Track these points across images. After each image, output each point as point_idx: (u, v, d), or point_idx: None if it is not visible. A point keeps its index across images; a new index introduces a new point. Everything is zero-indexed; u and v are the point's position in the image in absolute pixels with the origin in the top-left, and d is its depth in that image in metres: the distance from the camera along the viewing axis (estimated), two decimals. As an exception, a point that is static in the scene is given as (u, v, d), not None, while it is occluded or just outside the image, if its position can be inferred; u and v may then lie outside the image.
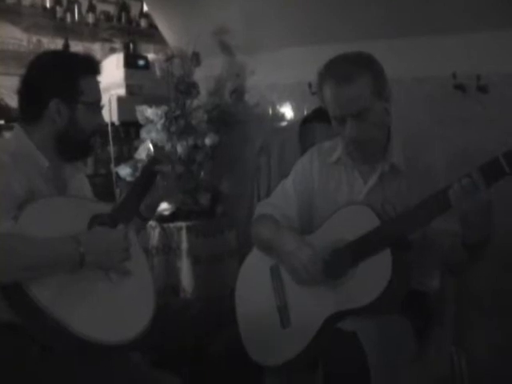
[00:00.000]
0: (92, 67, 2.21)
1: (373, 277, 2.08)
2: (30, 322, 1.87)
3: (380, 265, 2.07)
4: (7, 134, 2.24)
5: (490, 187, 1.87)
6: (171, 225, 3.73)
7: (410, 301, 2.16)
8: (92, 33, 5.86)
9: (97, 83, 2.24)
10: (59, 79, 2.12)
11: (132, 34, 6.08)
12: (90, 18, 5.80)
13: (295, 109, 4.06)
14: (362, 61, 2.21)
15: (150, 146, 2.41)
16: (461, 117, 3.31)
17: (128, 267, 2.08)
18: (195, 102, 3.86)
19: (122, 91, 4.18)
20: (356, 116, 2.15)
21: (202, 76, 3.97)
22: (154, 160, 2.43)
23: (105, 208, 2.19)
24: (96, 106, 2.23)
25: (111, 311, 1.99)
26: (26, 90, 2.16)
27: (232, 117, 3.91)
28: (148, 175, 2.37)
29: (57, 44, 5.59)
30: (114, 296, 2.03)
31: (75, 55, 2.36)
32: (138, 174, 3.62)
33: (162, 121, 3.70)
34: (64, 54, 2.60)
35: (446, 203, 1.93)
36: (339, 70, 2.19)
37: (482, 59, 3.21)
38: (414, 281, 2.17)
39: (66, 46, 5.56)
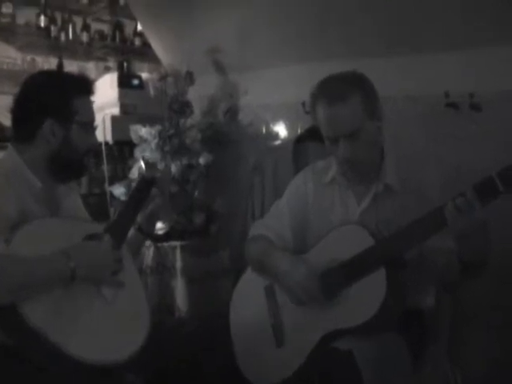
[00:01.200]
0: (86, 87, 2.21)
1: (367, 296, 2.08)
2: (22, 343, 1.85)
3: (374, 284, 2.07)
4: (0, 154, 2.23)
5: (484, 206, 1.87)
6: (165, 244, 3.72)
7: (405, 318, 2.16)
8: (86, 52, 5.88)
9: (91, 103, 2.24)
10: (53, 99, 2.11)
11: (126, 53, 6.10)
12: (85, 37, 5.83)
13: (289, 128, 4.06)
14: (354, 80, 2.21)
15: (142, 164, 2.41)
16: (454, 135, 3.33)
17: (121, 280, 2.07)
18: (189, 122, 3.85)
19: (116, 110, 4.18)
20: (349, 136, 2.15)
21: (196, 95, 3.97)
22: (146, 175, 2.42)
23: (99, 228, 2.17)
24: (90, 125, 2.23)
25: (106, 331, 1.97)
26: (20, 110, 2.16)
27: (226, 136, 3.91)
28: (141, 190, 2.36)
29: (51, 63, 5.61)
30: (109, 315, 2.02)
31: (69, 75, 2.36)
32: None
33: (156, 140, 3.70)
34: (58, 74, 2.59)
35: (440, 222, 1.93)
36: (331, 89, 2.20)
37: (475, 77, 3.23)
38: (409, 299, 2.17)
39: (60, 65, 5.58)
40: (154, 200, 2.38)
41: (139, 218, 2.37)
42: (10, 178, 2.05)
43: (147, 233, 2.45)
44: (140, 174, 2.77)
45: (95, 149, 2.45)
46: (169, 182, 2.46)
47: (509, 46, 3.12)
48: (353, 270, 2.12)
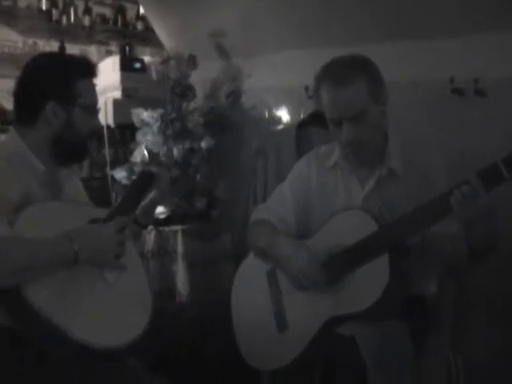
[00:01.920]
0: (89, 70, 2.20)
1: (371, 282, 2.08)
2: (26, 326, 1.85)
3: (378, 270, 2.07)
4: (2, 137, 2.22)
5: (489, 192, 1.87)
6: (167, 228, 3.71)
7: (408, 305, 2.16)
8: (88, 35, 5.89)
9: (93, 86, 2.23)
10: (56, 82, 2.10)
11: (128, 37, 6.09)
12: (86, 21, 5.84)
13: (292, 112, 4.05)
14: (359, 64, 2.21)
15: (145, 152, 2.41)
16: (459, 120, 3.31)
17: (124, 264, 2.08)
18: (191, 105, 3.83)
19: (117, 94, 4.17)
20: (352, 119, 2.15)
21: (198, 79, 3.95)
22: (149, 166, 2.44)
23: (101, 213, 2.17)
24: (92, 108, 2.22)
25: (108, 315, 1.98)
26: (22, 93, 2.15)
27: (228, 120, 3.90)
28: (144, 179, 2.37)
29: (52, 46, 5.60)
30: (111, 299, 2.02)
31: (72, 58, 2.35)
32: (133, 177, 3.62)
33: (158, 124, 3.68)
34: (60, 57, 2.59)
35: (446, 209, 1.93)
36: (336, 73, 2.19)
37: (480, 63, 3.21)
38: (412, 285, 2.17)
39: (62, 48, 5.57)
40: (153, 193, 2.39)
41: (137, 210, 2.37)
42: (13, 160, 2.04)
43: (143, 225, 2.46)
44: (142, 165, 2.79)
45: (98, 132, 2.45)
46: (167, 179, 2.45)
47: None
48: (356, 255, 2.12)
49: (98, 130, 2.36)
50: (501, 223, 2.01)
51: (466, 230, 1.97)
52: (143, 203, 2.40)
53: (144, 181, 2.38)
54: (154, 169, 2.38)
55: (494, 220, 1.95)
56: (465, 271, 2.24)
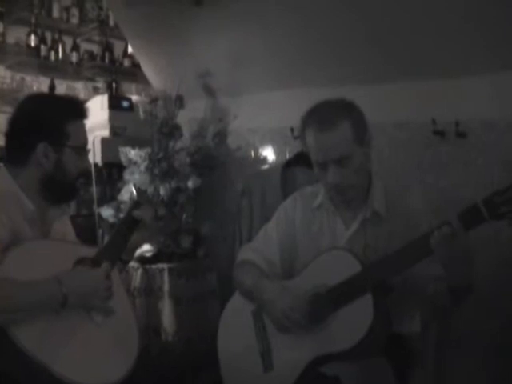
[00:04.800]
0: (79, 111, 2.23)
1: (354, 321, 2.09)
2: (11, 365, 1.85)
3: (361, 309, 2.08)
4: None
5: (468, 232, 1.90)
6: (153, 266, 3.72)
7: (391, 343, 2.17)
8: (76, 71, 5.91)
9: (84, 127, 2.26)
10: (47, 123, 2.13)
11: (115, 74, 6.12)
12: (74, 57, 5.87)
13: (277, 153, 4.09)
14: (343, 108, 2.24)
15: (133, 190, 2.43)
16: (440, 161, 3.37)
17: (111, 307, 2.09)
18: (178, 145, 3.87)
19: (105, 132, 4.18)
20: (338, 162, 2.17)
21: (185, 118, 3.99)
22: (136, 204, 2.46)
23: (89, 251, 2.19)
24: (82, 149, 2.24)
25: (94, 355, 1.98)
26: (13, 133, 2.17)
27: (214, 160, 3.93)
28: (131, 220, 2.40)
29: (40, 82, 5.63)
30: (97, 340, 2.03)
31: (63, 99, 2.38)
32: (120, 215, 3.64)
33: (146, 163, 3.71)
34: (51, 98, 2.60)
35: (426, 250, 1.95)
36: (321, 116, 2.22)
37: (461, 105, 3.27)
38: (395, 324, 2.18)
39: (52, 86, 5.61)
40: (136, 233, 2.41)
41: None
42: (3, 199, 2.06)
43: (126, 260, 2.48)
44: (131, 198, 2.80)
45: (88, 172, 2.47)
46: (151, 219, 2.48)
47: (493, 76, 3.17)
48: (340, 295, 2.13)
49: (87, 170, 2.38)
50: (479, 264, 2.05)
51: (445, 270, 2.00)
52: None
53: (128, 225, 2.40)
54: (137, 212, 2.39)
55: (472, 261, 1.97)
56: (448, 312, 2.26)
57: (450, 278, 2.02)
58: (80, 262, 2.11)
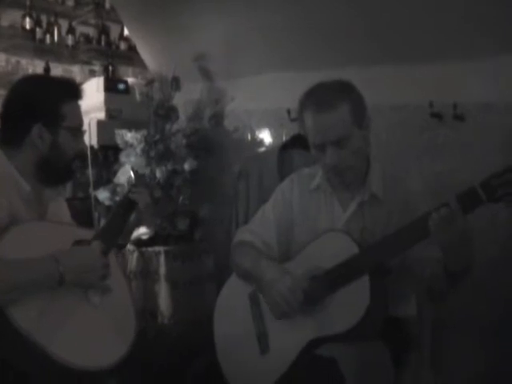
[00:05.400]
0: (74, 92, 2.22)
1: (351, 303, 2.09)
2: (7, 346, 1.85)
3: (358, 291, 2.08)
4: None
5: (467, 215, 1.89)
6: (149, 249, 3.72)
7: (388, 326, 2.17)
8: (71, 55, 5.87)
9: (79, 108, 2.25)
10: (42, 105, 2.12)
11: (111, 57, 6.09)
12: (70, 40, 5.83)
13: (273, 135, 4.09)
14: (343, 89, 2.23)
15: (131, 172, 2.43)
16: (437, 144, 3.36)
17: (108, 285, 2.09)
18: (174, 127, 3.85)
19: (101, 115, 4.16)
20: (336, 143, 2.16)
21: (182, 101, 3.98)
22: (133, 187, 2.45)
23: (87, 234, 2.19)
24: (78, 130, 2.24)
25: (91, 336, 1.99)
26: (8, 115, 2.16)
27: (211, 142, 3.92)
28: (128, 203, 2.39)
29: (36, 65, 5.59)
30: (95, 320, 2.03)
31: (57, 80, 2.37)
32: (116, 198, 3.63)
33: (142, 145, 3.70)
34: (46, 79, 2.58)
35: (424, 232, 1.94)
36: (320, 97, 2.21)
37: (459, 88, 3.26)
38: (392, 306, 2.18)
39: (47, 69, 5.57)
40: (133, 216, 2.41)
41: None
42: (0, 181, 2.05)
43: (122, 244, 2.47)
44: (128, 181, 2.79)
45: (83, 153, 2.47)
46: (148, 202, 2.47)
47: (491, 59, 3.16)
48: (337, 277, 2.13)
49: (83, 151, 2.38)
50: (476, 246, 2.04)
51: (443, 253, 1.99)
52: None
53: (125, 208, 2.40)
54: (133, 195, 2.39)
55: (470, 243, 1.97)
56: (445, 295, 2.26)
57: (447, 260, 2.01)
58: (77, 243, 2.11)
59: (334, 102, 2.16)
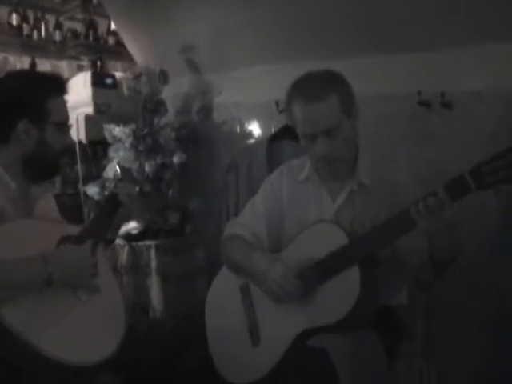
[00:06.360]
0: (59, 87, 2.20)
1: (342, 294, 2.09)
2: (0, 344, 1.84)
3: (348, 282, 2.08)
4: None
5: (455, 203, 1.89)
6: (140, 243, 3.72)
7: (380, 316, 2.17)
8: (59, 50, 5.85)
9: (64, 103, 2.23)
10: (27, 100, 2.10)
11: (99, 52, 6.07)
12: (57, 36, 5.80)
13: (262, 127, 4.08)
14: (331, 78, 2.23)
15: (117, 168, 2.43)
16: (426, 133, 3.36)
17: (97, 284, 2.08)
18: (163, 121, 3.85)
19: (89, 110, 4.16)
20: (326, 133, 2.16)
21: (170, 94, 3.97)
22: (119, 182, 2.45)
23: (73, 230, 2.17)
24: (64, 125, 2.22)
25: (81, 332, 1.97)
26: None
27: (200, 135, 3.92)
28: (114, 198, 2.38)
29: (23, 61, 5.58)
30: (84, 317, 2.02)
31: (43, 75, 2.35)
32: (106, 192, 3.62)
33: (130, 139, 3.69)
34: (31, 75, 2.56)
35: (412, 222, 1.94)
36: (308, 88, 2.20)
37: (447, 77, 3.26)
38: (382, 296, 2.18)
39: (33, 64, 5.55)
40: (120, 210, 2.40)
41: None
42: None
43: (110, 239, 2.46)
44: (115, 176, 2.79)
45: (70, 148, 2.45)
46: (134, 197, 2.47)
47: (479, 47, 3.15)
48: (327, 268, 2.13)
49: (70, 146, 2.36)
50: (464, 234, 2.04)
51: (429, 242, 1.99)
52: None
53: (111, 203, 2.39)
54: (119, 190, 2.38)
55: (458, 232, 1.97)
56: (431, 285, 2.26)
57: (434, 250, 2.01)
58: (64, 240, 2.09)
59: (322, 92, 2.16)
